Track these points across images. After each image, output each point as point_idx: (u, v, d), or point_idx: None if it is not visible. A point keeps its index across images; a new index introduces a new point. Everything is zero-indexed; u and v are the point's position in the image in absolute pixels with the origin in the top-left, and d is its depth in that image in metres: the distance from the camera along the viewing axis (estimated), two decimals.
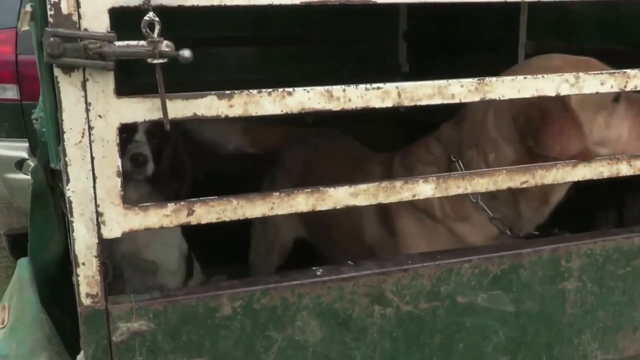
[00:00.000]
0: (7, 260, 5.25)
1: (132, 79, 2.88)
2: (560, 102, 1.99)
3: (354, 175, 2.62)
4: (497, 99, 1.71)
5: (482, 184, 1.75)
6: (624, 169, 1.90)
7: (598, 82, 1.78)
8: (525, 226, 2.34)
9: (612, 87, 1.79)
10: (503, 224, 2.28)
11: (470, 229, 2.29)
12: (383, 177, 2.33)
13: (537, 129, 2.04)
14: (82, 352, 1.51)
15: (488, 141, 2.22)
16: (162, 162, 2.84)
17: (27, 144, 3.91)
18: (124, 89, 1.42)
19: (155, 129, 2.66)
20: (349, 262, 1.70)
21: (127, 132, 2.49)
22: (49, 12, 1.30)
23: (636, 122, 2.17)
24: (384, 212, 2.48)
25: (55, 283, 1.87)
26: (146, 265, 3.01)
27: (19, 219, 4.51)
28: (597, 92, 1.80)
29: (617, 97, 2.11)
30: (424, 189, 1.68)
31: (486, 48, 2.16)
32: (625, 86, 1.80)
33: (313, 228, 3.24)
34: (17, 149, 4.33)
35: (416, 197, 1.68)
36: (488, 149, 2.21)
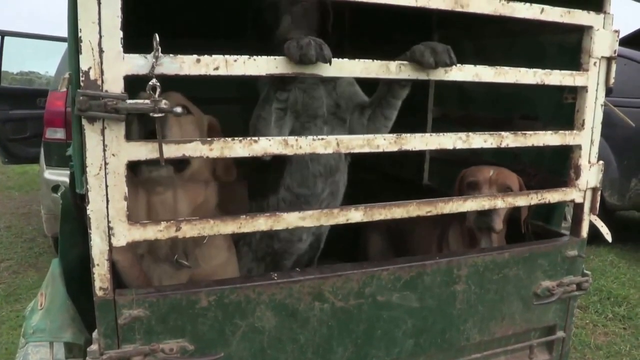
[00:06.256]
0: (51, 256, 5.17)
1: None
2: None
3: None
4: (411, 149, 1.69)
5: (399, 212, 1.71)
6: (499, 203, 1.89)
7: (482, 140, 1.78)
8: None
9: (491, 144, 1.79)
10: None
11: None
12: None
13: None
14: (96, 330, 1.45)
15: None
16: None
17: (68, 171, 3.84)
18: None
19: None
20: (297, 269, 1.67)
21: None
22: (81, 78, 1.30)
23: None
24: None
25: (79, 278, 1.82)
26: None
27: None
28: None
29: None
30: (355, 214, 1.65)
31: (408, 111, 2.17)
32: (501, 143, 1.80)
33: None
34: (62, 175, 4.28)
35: (349, 222, 1.64)
36: None
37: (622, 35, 1.96)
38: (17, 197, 8.04)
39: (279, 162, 2.26)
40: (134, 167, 1.56)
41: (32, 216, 6.76)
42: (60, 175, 4.37)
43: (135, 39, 1.40)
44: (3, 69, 6.93)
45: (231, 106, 2.59)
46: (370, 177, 3.37)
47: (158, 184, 1.71)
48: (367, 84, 2.25)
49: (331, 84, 2.29)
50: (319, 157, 2.25)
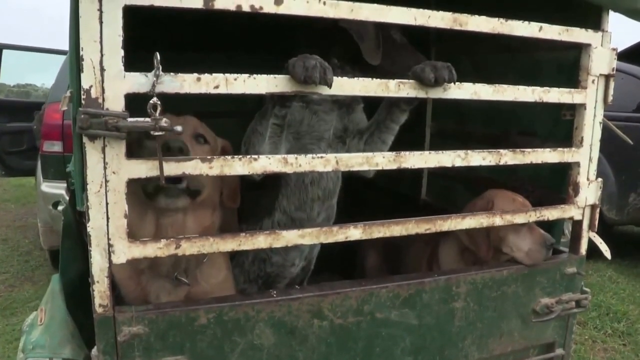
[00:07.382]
0: (47, 270, 5.17)
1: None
2: None
3: None
4: (409, 167, 1.70)
5: (397, 230, 1.72)
6: (497, 221, 1.90)
7: (481, 157, 1.79)
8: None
9: (490, 161, 1.80)
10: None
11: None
12: None
13: None
14: (96, 347, 1.45)
15: None
16: None
17: (65, 184, 3.85)
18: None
19: None
20: (297, 287, 1.67)
21: None
22: (82, 96, 1.31)
23: None
24: None
25: (79, 294, 1.82)
26: None
27: (58, 239, 4.49)
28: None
29: None
30: (354, 232, 1.66)
31: (405, 128, 2.19)
32: (499, 161, 1.81)
33: None
34: (59, 188, 4.29)
35: (348, 239, 1.65)
36: None
37: (619, 49, 1.98)
38: (14, 210, 8.03)
39: (273, 183, 2.25)
40: (150, 195, 1.60)
41: (28, 229, 6.75)
42: (57, 188, 4.38)
43: (132, 53, 1.41)
44: (0, 81, 6.96)
45: (229, 119, 2.60)
46: (368, 192, 3.38)
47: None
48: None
49: (348, 109, 2.28)
50: (318, 180, 2.24)
